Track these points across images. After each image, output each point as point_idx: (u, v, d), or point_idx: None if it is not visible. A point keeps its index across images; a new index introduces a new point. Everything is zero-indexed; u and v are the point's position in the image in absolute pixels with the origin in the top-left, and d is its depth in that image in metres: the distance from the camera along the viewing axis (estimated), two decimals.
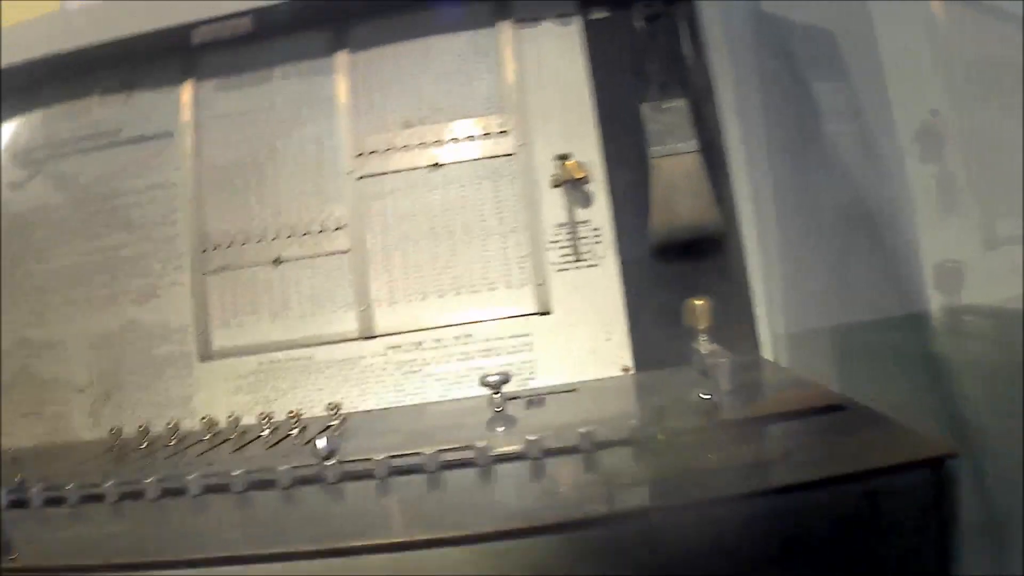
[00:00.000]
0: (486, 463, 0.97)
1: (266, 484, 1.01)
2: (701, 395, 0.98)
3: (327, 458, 1.01)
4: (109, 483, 1.03)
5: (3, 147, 1.79)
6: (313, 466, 1.02)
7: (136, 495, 1.03)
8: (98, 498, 1.04)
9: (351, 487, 0.98)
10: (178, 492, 1.02)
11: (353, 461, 1.03)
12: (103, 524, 0.98)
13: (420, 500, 0.92)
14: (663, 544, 0.76)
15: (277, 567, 0.78)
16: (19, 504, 1.06)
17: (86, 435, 1.62)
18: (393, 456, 1.00)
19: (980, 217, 1.39)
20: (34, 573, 0.84)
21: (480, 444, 0.97)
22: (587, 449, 0.96)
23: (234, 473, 1.01)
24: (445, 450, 0.99)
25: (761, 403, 1.09)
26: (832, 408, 1.02)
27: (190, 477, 1.01)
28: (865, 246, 1.51)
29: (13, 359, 1.68)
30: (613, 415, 0.99)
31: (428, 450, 0.98)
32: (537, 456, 0.96)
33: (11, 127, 1.79)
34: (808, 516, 0.77)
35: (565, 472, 0.93)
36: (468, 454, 0.98)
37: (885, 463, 0.80)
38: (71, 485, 1.05)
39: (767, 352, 1.53)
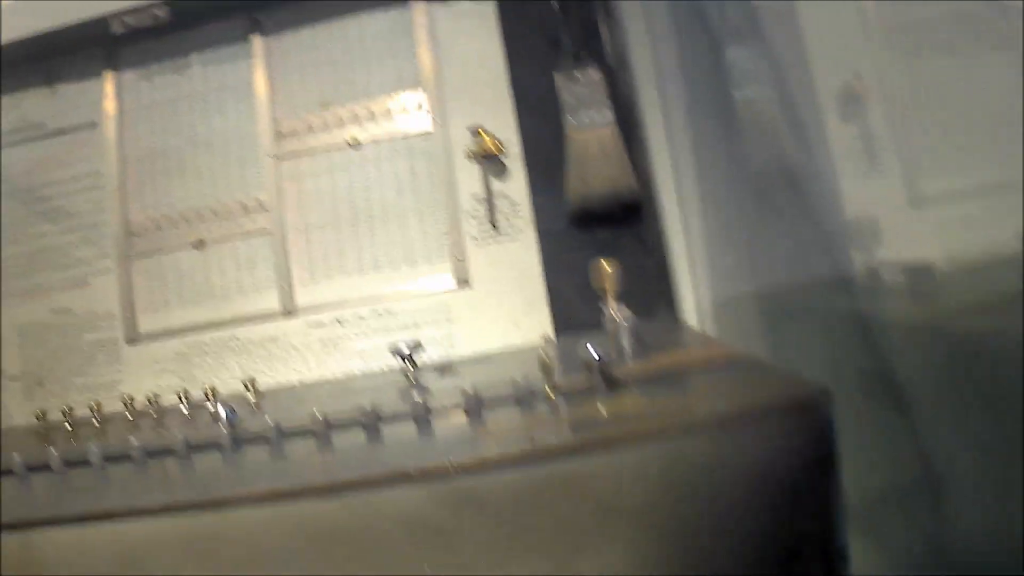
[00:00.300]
0: (372, 424, 0.98)
1: (165, 452, 1.03)
2: (590, 352, 0.99)
3: (225, 425, 1.03)
4: (16, 457, 1.05)
5: None
6: (210, 436, 1.04)
7: (41, 468, 1.05)
8: (9, 472, 1.05)
9: (245, 450, 1.00)
10: (82, 463, 1.04)
11: (249, 430, 1.05)
12: (7, 491, 1.00)
13: (301, 458, 0.94)
14: (527, 493, 0.77)
15: (151, 521, 0.81)
16: None
17: (20, 421, 1.64)
18: (286, 423, 1.01)
19: (903, 177, 1.40)
20: None
21: (368, 408, 0.99)
22: (472, 408, 0.98)
23: (134, 444, 1.02)
24: (336, 415, 1.01)
25: (653, 360, 1.10)
26: (725, 364, 1.03)
27: (92, 449, 1.03)
28: (790, 210, 1.53)
29: None
30: (513, 378, 1.00)
31: (319, 415, 0.99)
32: (422, 416, 0.98)
33: None
34: (678, 463, 0.78)
35: (445, 429, 0.95)
36: (356, 416, 0.99)
37: (751, 408, 0.81)
38: None
39: (692, 319, 1.55)
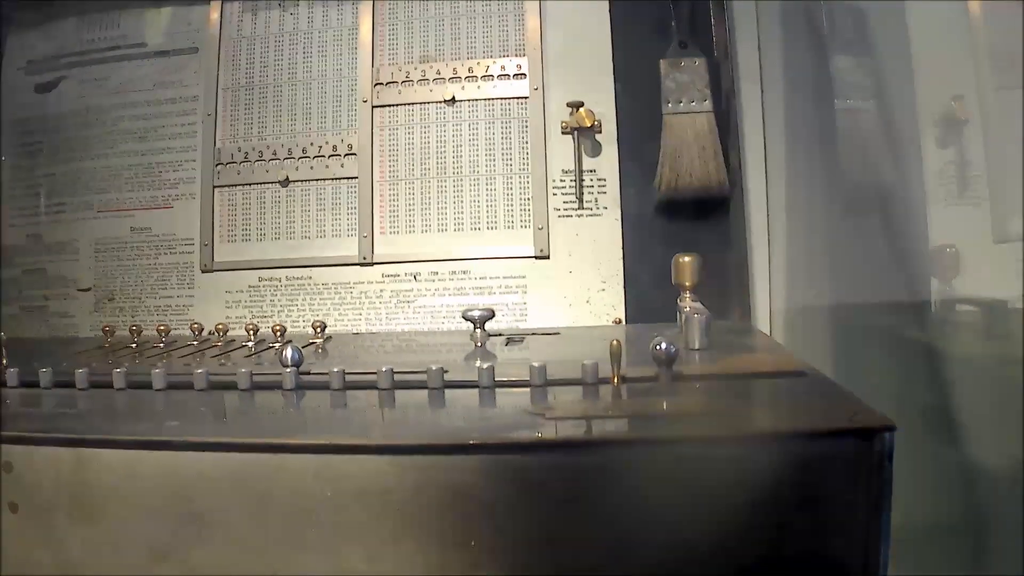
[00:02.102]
0: (437, 386, 0.98)
1: (227, 385, 1.03)
2: (656, 347, 0.98)
3: (290, 367, 1.03)
4: (81, 372, 1.06)
5: (36, 50, 1.83)
6: (274, 373, 1.04)
7: (104, 385, 1.06)
8: (71, 384, 1.06)
9: (306, 395, 1.00)
10: (145, 385, 1.05)
11: (312, 373, 1.05)
12: (67, 406, 1.01)
13: (362, 411, 0.94)
14: (580, 478, 0.77)
15: (205, 456, 0.81)
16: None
17: (86, 333, 1.67)
18: (349, 372, 1.01)
19: (992, 211, 1.38)
20: None
21: (435, 368, 0.99)
22: (538, 384, 0.97)
23: (197, 372, 1.03)
24: (401, 371, 1.01)
25: (721, 362, 1.09)
26: (789, 374, 1.01)
27: (156, 372, 1.04)
28: (874, 227, 1.51)
29: (24, 254, 1.74)
30: (579, 358, 1.00)
31: (384, 368, 0.99)
32: (487, 385, 0.98)
33: (44, 31, 1.83)
34: (731, 470, 0.77)
35: (508, 402, 0.94)
36: (421, 377, 0.99)
37: (814, 427, 0.80)
38: (46, 370, 1.08)
39: (764, 323, 1.53)
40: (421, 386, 1.00)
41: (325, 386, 1.02)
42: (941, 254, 1.37)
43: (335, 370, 1.01)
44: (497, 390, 0.99)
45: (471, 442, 0.78)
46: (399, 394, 0.99)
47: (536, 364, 0.99)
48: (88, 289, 1.72)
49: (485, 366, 1.00)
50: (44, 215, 1.77)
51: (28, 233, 1.78)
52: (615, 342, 0.98)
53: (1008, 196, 1.31)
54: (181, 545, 0.82)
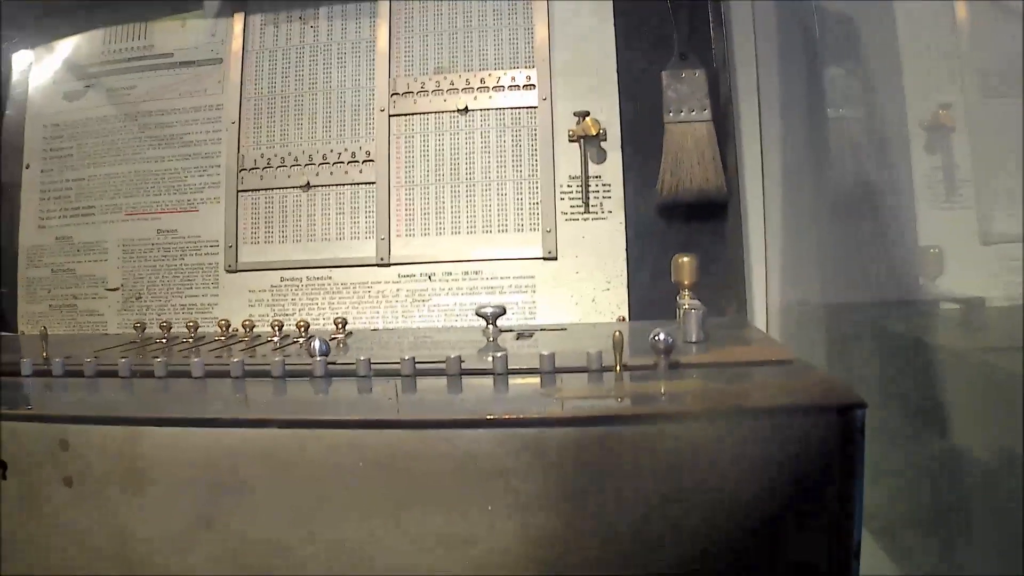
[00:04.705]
0: (455, 373, 1.06)
1: (261, 373, 1.11)
2: (655, 337, 1.05)
3: (319, 356, 1.11)
4: (123, 361, 1.14)
5: (63, 59, 1.90)
6: (303, 364, 1.12)
7: (146, 374, 1.13)
8: (112, 374, 1.14)
9: (334, 382, 1.08)
10: (183, 374, 1.12)
11: (339, 363, 1.13)
12: (114, 392, 1.09)
13: (387, 394, 1.01)
14: (581, 449, 0.85)
15: (244, 432, 0.89)
16: (43, 374, 1.18)
17: (114, 330, 1.76)
18: (374, 361, 1.09)
19: (979, 213, 1.42)
20: (46, 422, 0.95)
21: (452, 356, 1.06)
22: (547, 371, 1.05)
23: (233, 361, 1.11)
24: (422, 361, 1.08)
25: (715, 352, 1.16)
26: (777, 362, 1.08)
27: (195, 361, 1.12)
28: (866, 229, 1.56)
29: (55, 255, 1.81)
30: (585, 350, 1.07)
31: (407, 357, 1.07)
32: (501, 372, 1.05)
33: (72, 41, 1.91)
34: (718, 442, 0.84)
35: (520, 386, 1.02)
36: (440, 365, 1.07)
37: (796, 404, 0.87)
38: (90, 360, 1.15)
39: (760, 320, 1.60)
40: (440, 373, 1.08)
41: (352, 373, 1.10)
42: (925, 254, 1.42)
43: (361, 359, 1.09)
44: (510, 376, 1.07)
45: (488, 417, 0.86)
46: (420, 380, 1.07)
47: (545, 352, 1.06)
48: (116, 288, 1.79)
49: (499, 354, 1.07)
50: (73, 217, 1.83)
51: (57, 235, 1.84)
52: (617, 333, 1.06)
53: (994, 200, 1.37)
54: (224, 512, 0.90)
